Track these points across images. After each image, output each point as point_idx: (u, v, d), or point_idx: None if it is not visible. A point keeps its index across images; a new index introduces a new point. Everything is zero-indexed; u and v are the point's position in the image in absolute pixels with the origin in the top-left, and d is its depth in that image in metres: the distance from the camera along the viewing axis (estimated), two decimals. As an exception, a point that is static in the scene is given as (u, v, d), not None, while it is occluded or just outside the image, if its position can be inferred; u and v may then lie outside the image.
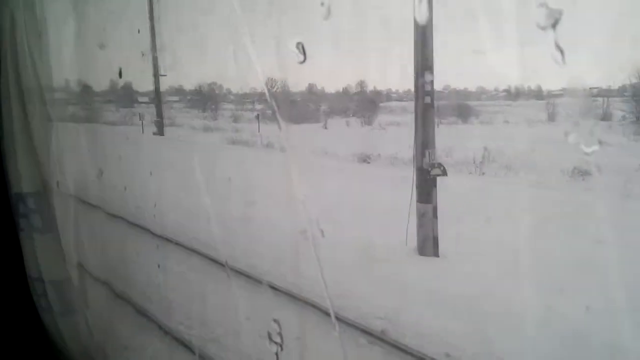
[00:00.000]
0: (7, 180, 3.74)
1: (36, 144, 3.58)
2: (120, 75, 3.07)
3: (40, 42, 3.37)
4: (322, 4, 1.75)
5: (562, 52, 1.25)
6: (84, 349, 3.72)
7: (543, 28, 1.20)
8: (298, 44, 1.86)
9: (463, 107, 24.55)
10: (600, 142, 2.05)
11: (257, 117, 23.41)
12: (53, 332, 3.87)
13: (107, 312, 3.82)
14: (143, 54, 2.90)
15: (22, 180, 3.61)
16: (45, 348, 3.99)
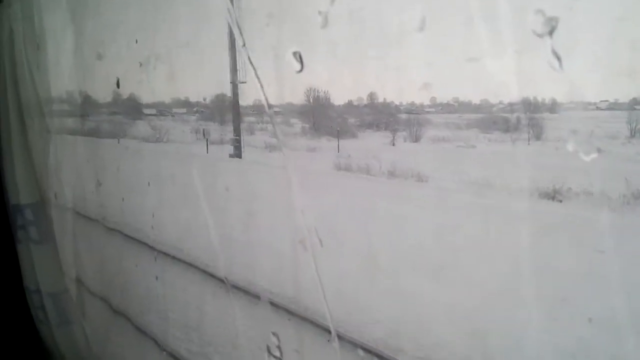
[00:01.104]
0: (5, 192, 3.73)
1: (34, 156, 3.58)
2: (118, 85, 3.07)
3: (38, 53, 3.38)
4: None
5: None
6: (81, 362, 3.69)
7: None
8: (295, 53, 1.85)
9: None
10: None
11: (337, 133, 20.49)
12: (50, 344, 3.84)
13: (104, 326, 3.79)
14: (141, 64, 2.91)
15: (20, 192, 3.60)
16: (42, 359, 3.97)
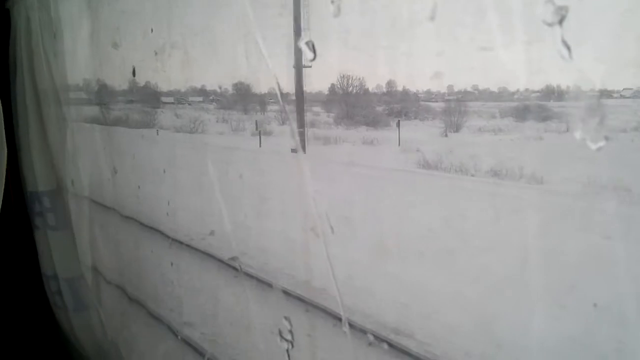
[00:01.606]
0: (23, 180, 3.79)
1: (51, 144, 3.63)
2: (133, 74, 3.10)
3: (55, 42, 3.42)
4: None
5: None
6: (97, 346, 3.76)
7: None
8: (308, 42, 1.87)
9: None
10: None
11: (398, 124, 17.24)
12: (66, 328, 3.91)
13: (120, 312, 3.85)
14: (156, 53, 2.92)
15: (38, 179, 3.66)
16: (59, 344, 4.04)
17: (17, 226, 3.86)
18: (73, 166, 3.72)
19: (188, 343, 4.10)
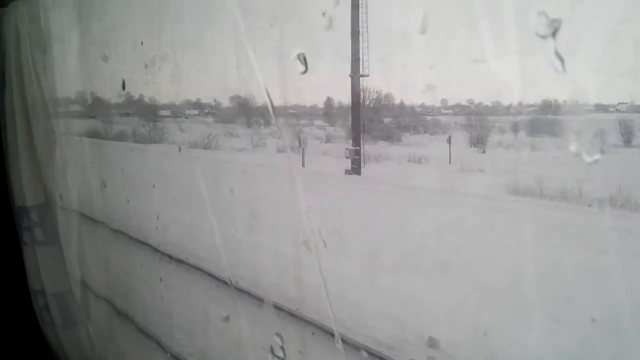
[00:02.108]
0: (11, 194, 3.75)
1: (40, 158, 3.60)
2: (123, 87, 3.08)
3: (44, 55, 3.39)
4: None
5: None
6: (85, 363, 3.70)
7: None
8: (299, 54, 1.86)
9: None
10: None
11: (449, 140, 17.24)
12: (54, 344, 3.86)
13: (108, 327, 3.80)
14: (146, 66, 2.89)
15: (26, 194, 3.62)
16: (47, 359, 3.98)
17: (4, 241, 3.81)
18: (63, 180, 3.68)
19: (177, 358, 4.05)
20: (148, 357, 3.72)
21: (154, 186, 3.47)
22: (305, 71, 1.87)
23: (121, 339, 3.70)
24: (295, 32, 2.13)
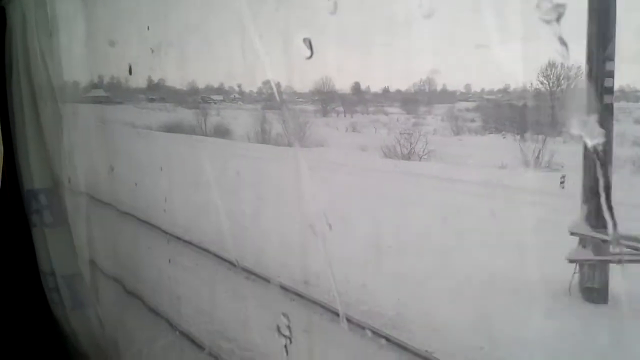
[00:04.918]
0: (20, 177, 3.79)
1: (47, 141, 3.63)
2: (130, 72, 3.10)
3: (51, 40, 3.41)
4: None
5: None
6: (95, 342, 3.77)
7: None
8: (305, 39, 1.88)
9: None
10: None
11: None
12: (64, 325, 3.92)
13: (118, 308, 3.86)
14: (153, 51, 2.90)
15: (34, 177, 3.66)
16: (57, 341, 4.04)
17: (14, 224, 3.85)
18: (69, 163, 3.72)
19: (186, 336, 4.12)
20: (157, 336, 3.79)
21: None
22: (311, 56, 1.88)
23: (130, 318, 3.77)
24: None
